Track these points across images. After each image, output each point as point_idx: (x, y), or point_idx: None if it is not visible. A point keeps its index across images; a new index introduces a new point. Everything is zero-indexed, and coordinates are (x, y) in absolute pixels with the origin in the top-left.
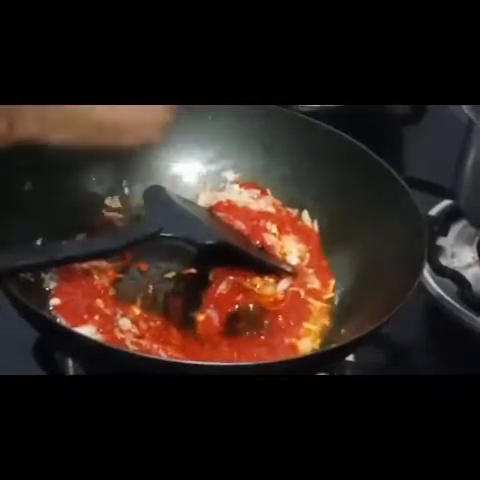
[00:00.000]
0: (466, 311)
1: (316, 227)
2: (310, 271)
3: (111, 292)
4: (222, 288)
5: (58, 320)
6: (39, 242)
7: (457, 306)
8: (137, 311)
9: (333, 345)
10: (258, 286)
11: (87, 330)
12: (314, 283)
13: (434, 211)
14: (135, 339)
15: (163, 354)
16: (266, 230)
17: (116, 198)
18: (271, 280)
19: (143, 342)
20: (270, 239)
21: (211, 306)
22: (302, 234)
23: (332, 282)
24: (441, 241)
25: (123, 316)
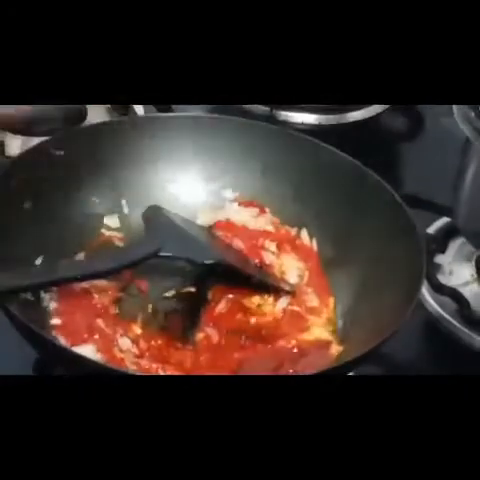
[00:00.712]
0: (464, 329)
1: (315, 245)
2: (309, 290)
3: (111, 311)
4: (221, 307)
5: (58, 339)
6: (39, 261)
7: (455, 324)
8: (137, 330)
9: (333, 364)
10: (257, 305)
11: (87, 349)
12: (313, 301)
13: (432, 229)
14: (135, 359)
15: (162, 373)
16: (265, 248)
17: (115, 217)
18: (270, 299)
19: (142, 362)
20: (269, 258)
21: (210, 325)
22: (301, 253)
23: (331, 300)
24: (439, 259)
25: (123, 335)
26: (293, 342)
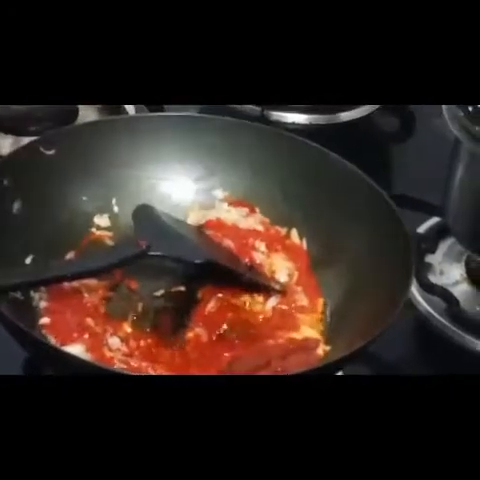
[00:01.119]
0: (454, 328)
1: (305, 245)
2: (299, 289)
3: (101, 310)
4: (211, 306)
5: (47, 339)
6: (29, 260)
7: (445, 323)
8: (127, 329)
9: (320, 363)
10: (247, 304)
11: (76, 349)
12: (303, 301)
13: (422, 228)
14: (124, 357)
15: (152, 372)
16: (255, 248)
17: (105, 216)
18: (260, 298)
19: (132, 361)
20: (259, 257)
21: (200, 324)
22: (291, 252)
23: (321, 300)
24: (429, 258)
25: (113, 335)
26: (282, 341)
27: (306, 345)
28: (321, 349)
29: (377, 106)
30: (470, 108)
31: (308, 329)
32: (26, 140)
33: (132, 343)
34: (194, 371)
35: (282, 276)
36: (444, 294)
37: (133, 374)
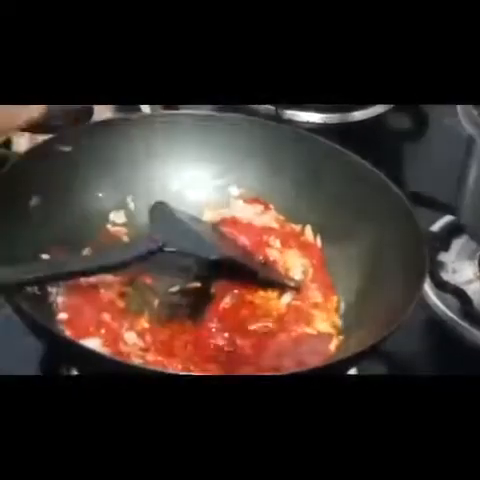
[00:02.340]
0: (468, 326)
1: (319, 242)
2: (313, 286)
3: (118, 305)
4: (226, 302)
5: (64, 333)
6: (45, 256)
7: (459, 321)
8: (144, 324)
9: (334, 359)
10: (261, 300)
11: (93, 343)
12: (317, 298)
13: (436, 227)
14: (140, 352)
15: (168, 367)
16: (269, 245)
17: (121, 213)
18: (274, 294)
19: (148, 355)
20: (273, 254)
21: (215, 320)
22: (305, 249)
23: (334, 297)
24: (443, 256)
25: (129, 330)
26: (295, 335)
27: (319, 340)
28: (334, 345)
29: (390, 105)
30: None
31: (322, 325)
32: (42, 138)
33: (148, 338)
34: (209, 365)
35: (296, 273)
36: (457, 292)
37: (149, 368)
